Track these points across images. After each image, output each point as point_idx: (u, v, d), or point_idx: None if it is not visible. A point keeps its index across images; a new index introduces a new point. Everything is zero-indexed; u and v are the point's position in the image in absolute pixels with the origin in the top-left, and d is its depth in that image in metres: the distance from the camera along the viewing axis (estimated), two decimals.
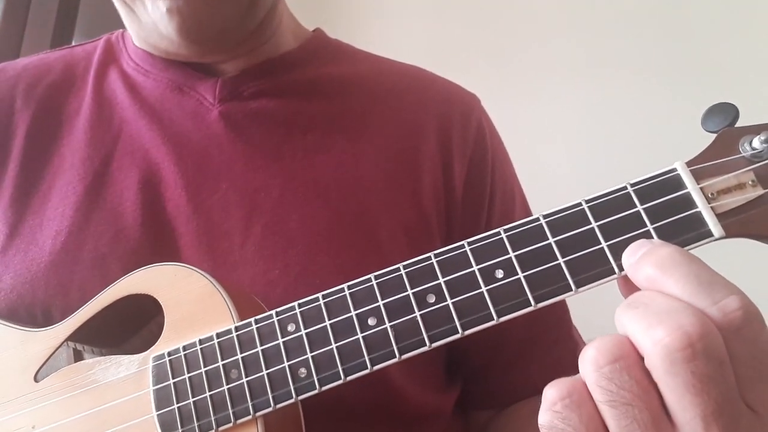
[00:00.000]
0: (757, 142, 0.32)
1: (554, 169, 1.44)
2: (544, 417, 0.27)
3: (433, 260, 0.34)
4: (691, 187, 0.32)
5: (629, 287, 0.31)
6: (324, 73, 0.59)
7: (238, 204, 0.50)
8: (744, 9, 1.47)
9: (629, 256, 0.30)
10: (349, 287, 0.35)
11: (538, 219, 0.33)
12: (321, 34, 0.63)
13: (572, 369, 0.60)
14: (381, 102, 0.58)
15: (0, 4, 1.05)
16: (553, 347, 0.58)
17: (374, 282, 0.35)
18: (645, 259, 0.28)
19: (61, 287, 0.47)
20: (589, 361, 0.27)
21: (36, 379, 0.41)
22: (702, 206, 0.31)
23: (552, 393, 0.27)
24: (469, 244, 0.34)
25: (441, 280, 0.34)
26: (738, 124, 0.34)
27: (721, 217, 0.31)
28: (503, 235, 0.34)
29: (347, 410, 0.46)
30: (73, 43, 1.21)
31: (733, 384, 0.25)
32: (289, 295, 0.47)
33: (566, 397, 0.27)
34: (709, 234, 0.31)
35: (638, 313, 0.27)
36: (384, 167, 0.54)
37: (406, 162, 0.55)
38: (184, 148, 0.53)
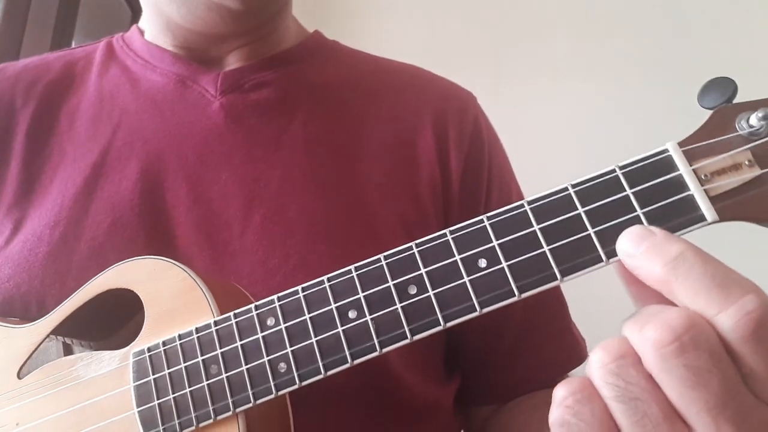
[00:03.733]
0: (754, 119, 0.30)
1: (553, 169, 1.43)
2: (554, 413, 0.27)
3: (415, 250, 0.33)
4: (683, 168, 0.30)
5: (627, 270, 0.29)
6: (323, 72, 0.59)
7: (237, 194, 0.51)
8: (746, 8, 1.45)
9: (631, 246, 0.28)
10: (329, 279, 0.34)
11: (522, 206, 0.32)
12: (319, 35, 0.64)
13: (572, 363, 0.59)
14: (379, 100, 0.58)
15: (0, 4, 1.04)
16: (552, 339, 0.57)
17: (354, 273, 0.34)
18: (652, 255, 0.27)
19: (58, 276, 0.47)
20: (595, 359, 0.27)
21: (19, 376, 0.41)
22: (695, 189, 0.30)
23: (562, 390, 0.27)
24: (452, 232, 0.33)
25: (422, 271, 0.33)
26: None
27: (714, 200, 0.30)
28: (486, 223, 0.32)
29: (344, 397, 0.46)
30: (73, 44, 1.21)
31: (732, 376, 0.25)
32: (288, 284, 0.47)
33: (577, 392, 0.27)
34: (702, 218, 0.29)
35: (634, 318, 0.27)
36: (382, 162, 0.54)
37: (404, 157, 0.55)
38: (185, 139, 0.53)
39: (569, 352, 0.58)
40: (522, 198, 0.61)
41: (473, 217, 0.56)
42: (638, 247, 0.28)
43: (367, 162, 0.54)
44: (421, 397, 0.50)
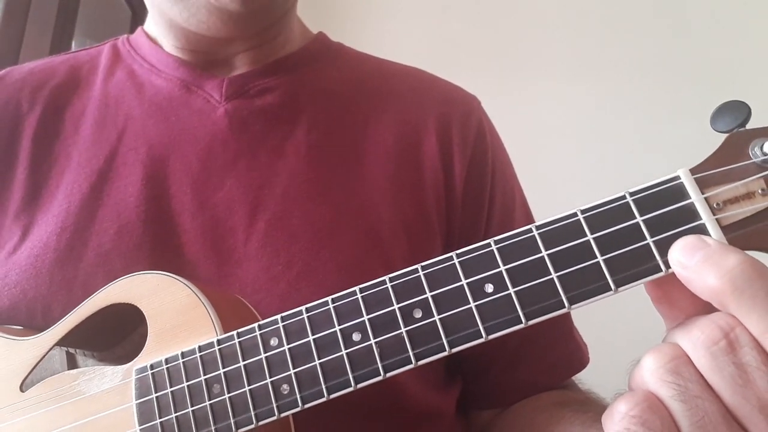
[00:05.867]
0: None
1: (555, 171, 1.43)
2: (617, 426, 0.27)
3: (420, 273, 0.33)
4: (694, 197, 0.30)
5: (658, 285, 0.30)
6: (327, 75, 0.59)
7: (242, 200, 0.51)
8: (747, 7, 1.44)
9: (685, 257, 0.27)
10: (334, 300, 0.34)
11: (530, 230, 0.31)
12: (323, 37, 0.63)
13: (574, 368, 0.58)
14: (382, 103, 0.58)
15: (0, 4, 1.04)
16: (555, 344, 0.57)
17: (359, 295, 0.33)
18: (708, 267, 0.26)
19: (64, 283, 0.47)
20: (648, 363, 0.27)
21: (22, 389, 0.41)
22: (706, 218, 0.29)
23: (625, 403, 0.27)
24: (458, 256, 0.32)
25: (428, 295, 0.32)
26: (750, 125, 0.32)
27: (726, 229, 0.29)
28: (494, 247, 0.32)
29: (345, 405, 0.46)
30: (73, 44, 1.20)
31: None
32: (292, 291, 0.48)
33: (642, 402, 0.26)
34: None
35: (680, 327, 0.28)
36: (385, 166, 0.54)
37: (407, 161, 0.55)
38: (190, 145, 0.53)
39: (572, 357, 0.58)
40: (525, 202, 0.62)
41: (476, 223, 0.58)
42: (692, 257, 0.27)
43: (371, 166, 0.54)
44: (422, 404, 0.50)
